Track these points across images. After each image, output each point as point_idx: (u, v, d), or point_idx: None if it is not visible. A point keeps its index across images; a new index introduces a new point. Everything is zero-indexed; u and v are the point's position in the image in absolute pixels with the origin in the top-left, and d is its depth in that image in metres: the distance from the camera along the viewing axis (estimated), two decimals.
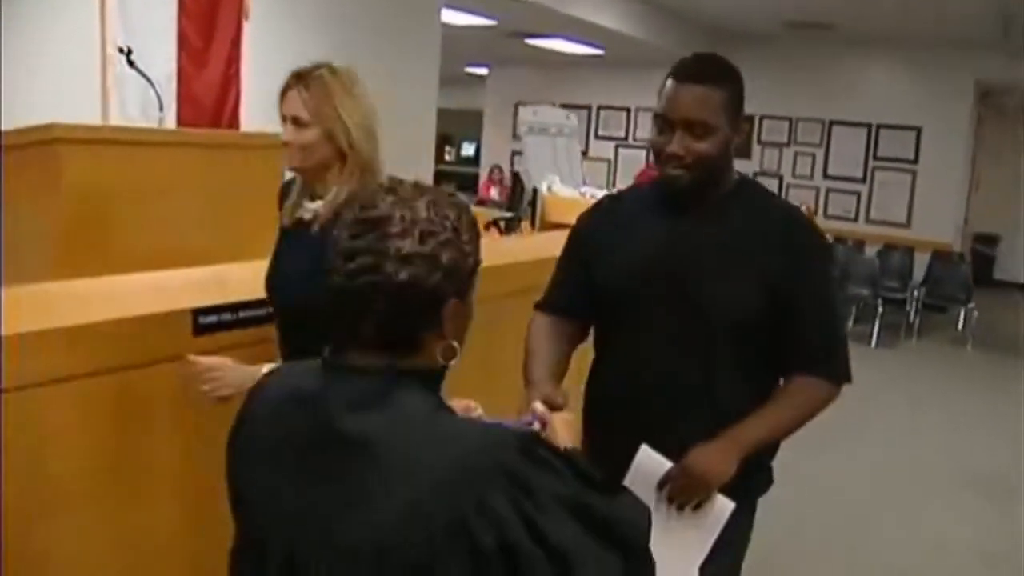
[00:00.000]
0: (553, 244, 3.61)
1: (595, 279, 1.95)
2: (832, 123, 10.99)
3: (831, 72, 10.74)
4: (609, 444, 1.85)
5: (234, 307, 2.14)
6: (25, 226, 2.29)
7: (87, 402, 1.90)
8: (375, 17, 5.86)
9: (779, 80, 11.06)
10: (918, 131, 10.57)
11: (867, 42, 10.28)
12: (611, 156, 12.71)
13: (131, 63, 3.45)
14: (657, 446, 1.82)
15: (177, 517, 2.08)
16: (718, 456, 1.77)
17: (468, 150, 17.74)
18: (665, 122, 1.82)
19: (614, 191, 2.20)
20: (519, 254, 3.26)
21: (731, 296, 1.82)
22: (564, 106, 13.17)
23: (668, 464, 1.79)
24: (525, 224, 5.01)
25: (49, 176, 2.23)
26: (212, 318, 2.10)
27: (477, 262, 1.16)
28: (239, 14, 4.60)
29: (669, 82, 1.83)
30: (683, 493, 1.78)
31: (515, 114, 13.81)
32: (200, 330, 2.08)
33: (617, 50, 10.70)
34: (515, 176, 6.31)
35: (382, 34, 5.85)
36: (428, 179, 5.92)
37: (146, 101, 4.23)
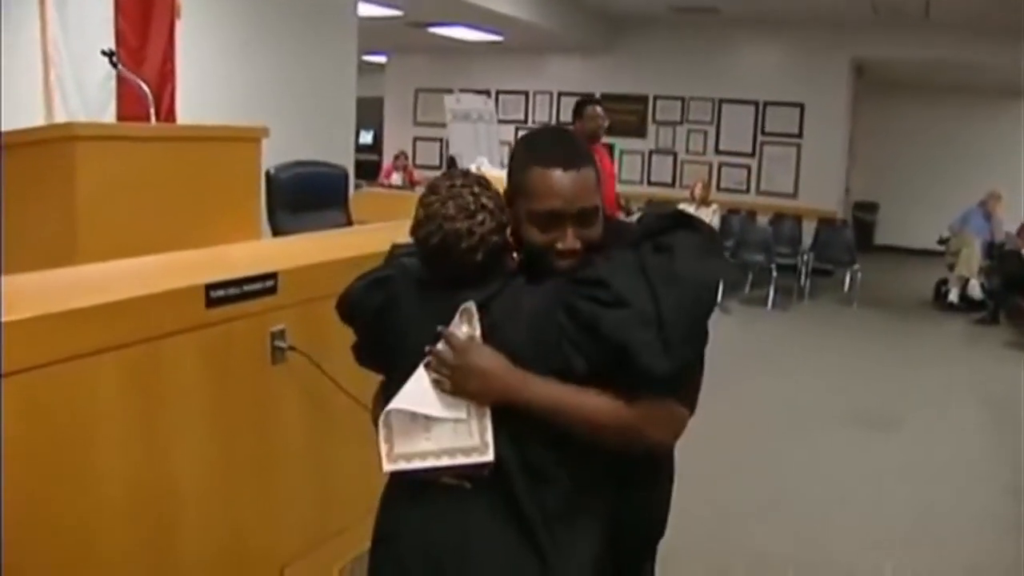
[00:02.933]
0: None
1: None
2: (722, 101, 11.55)
3: (719, 53, 11.29)
4: None
5: (239, 281, 2.38)
6: (44, 215, 2.48)
7: (120, 372, 2.12)
8: (297, 10, 6.04)
9: (671, 62, 11.61)
10: (801, 107, 11.23)
11: (751, 24, 10.87)
12: (511, 138, 13.05)
13: (115, 65, 3.60)
14: None
15: (200, 471, 2.32)
16: (499, 368, 1.57)
17: (365, 137, 17.81)
18: (556, 218, 1.61)
19: None
20: None
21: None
22: (464, 91, 13.52)
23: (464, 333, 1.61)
24: None
25: (65, 170, 2.42)
26: (221, 292, 2.34)
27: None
28: (172, 12, 4.75)
29: (552, 173, 1.61)
30: (441, 365, 1.59)
31: (415, 101, 14.03)
32: (212, 303, 2.32)
33: (515, 36, 11.03)
34: (451, 160, 6.61)
35: (304, 26, 6.05)
36: (349, 165, 6.19)
37: (86, 99, 4.38)
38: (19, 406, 1.84)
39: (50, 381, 1.92)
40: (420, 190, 1.94)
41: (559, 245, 1.61)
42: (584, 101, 5.97)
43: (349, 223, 4.33)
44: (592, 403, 1.55)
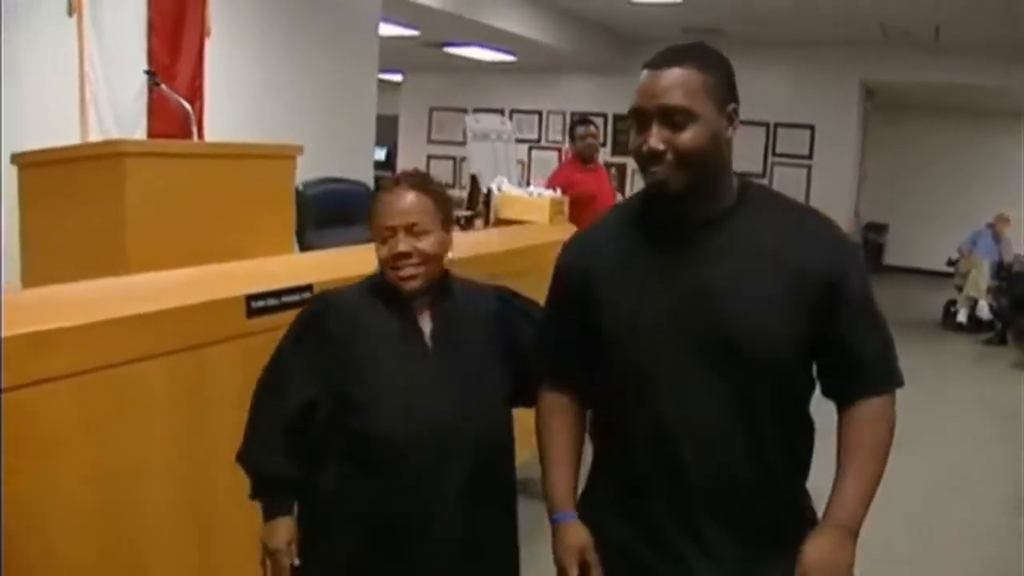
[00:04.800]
0: (514, 235, 4.04)
1: (602, 338, 1.64)
2: None
3: None
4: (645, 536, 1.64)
5: (278, 293, 2.49)
6: (95, 227, 2.59)
7: (167, 378, 2.22)
8: (321, 29, 6.19)
9: None
10: (811, 129, 11.35)
11: (760, 46, 10.95)
12: (525, 158, 13.19)
13: (157, 84, 3.72)
14: (703, 532, 1.59)
15: (241, 475, 2.41)
16: (833, 554, 1.51)
17: (379, 155, 17.94)
18: (641, 116, 1.54)
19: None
20: (494, 245, 3.67)
21: (771, 332, 1.54)
22: (477, 110, 13.67)
23: None
24: (478, 222, 5.47)
25: (115, 184, 2.53)
26: (261, 302, 2.45)
27: None
28: (202, 31, 4.90)
29: (644, 73, 1.56)
30: None
31: (430, 119, 14.18)
32: (252, 313, 2.43)
33: (528, 56, 11.16)
34: (473, 178, 6.76)
35: (327, 45, 6.19)
36: (369, 181, 6.31)
37: (119, 116, 4.50)
38: (70, 409, 1.92)
39: (101, 385, 2.03)
40: None
41: (644, 146, 1.54)
42: (577, 122, 6.02)
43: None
44: (872, 459, 1.63)
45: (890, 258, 14.44)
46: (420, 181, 1.94)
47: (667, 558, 1.61)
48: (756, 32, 10.34)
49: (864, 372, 1.63)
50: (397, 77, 14.12)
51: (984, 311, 9.74)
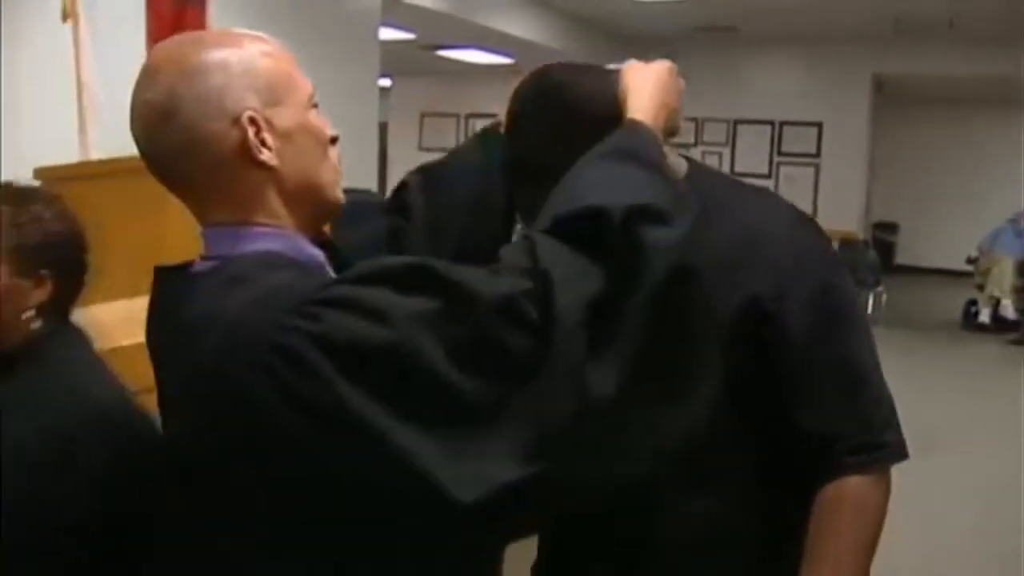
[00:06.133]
0: None
1: None
2: (737, 122, 11.37)
3: (734, 73, 11.09)
4: None
5: None
6: (137, 241, 2.36)
7: None
8: (322, 34, 5.93)
9: (685, 83, 11.40)
10: (819, 126, 11.06)
11: (768, 42, 10.70)
12: None
13: None
14: None
15: None
16: None
17: None
18: None
19: None
20: None
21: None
22: (471, 116, 13.33)
23: None
24: None
25: (156, 200, 2.27)
26: None
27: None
28: None
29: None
30: None
31: (421, 125, 13.81)
32: None
33: (527, 59, 10.82)
34: None
35: (328, 50, 5.93)
36: (373, 189, 6.02)
37: (119, 124, 4.12)
38: None
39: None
40: None
41: None
42: None
43: None
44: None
45: (901, 257, 14.19)
46: None
47: None
48: (767, 28, 10.06)
49: (823, 445, 1.25)
50: (385, 82, 13.75)
51: (1008, 310, 9.47)
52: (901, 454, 1.26)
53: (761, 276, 1.22)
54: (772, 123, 11.23)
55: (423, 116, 13.67)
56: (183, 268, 1.09)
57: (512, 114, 1.26)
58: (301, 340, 0.86)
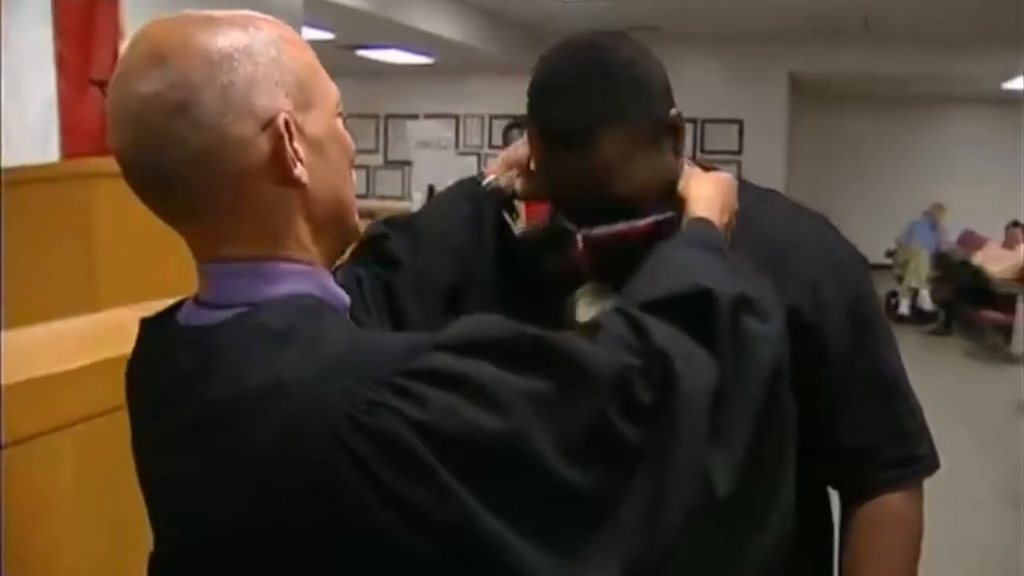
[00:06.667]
0: None
1: None
2: None
3: None
4: None
5: None
6: (60, 259, 2.18)
7: None
8: None
9: None
10: (740, 124, 11.19)
11: (692, 41, 10.75)
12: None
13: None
14: None
15: None
16: None
17: None
18: None
19: None
20: None
21: None
22: (390, 116, 13.13)
23: None
24: None
25: (83, 210, 2.09)
26: None
27: None
28: (116, 34, 4.23)
29: None
30: None
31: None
32: None
33: (447, 58, 10.70)
34: (431, 188, 6.70)
35: None
36: None
37: (26, 132, 3.89)
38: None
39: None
40: None
41: None
42: (512, 126, 5.57)
43: None
44: None
45: None
46: None
47: None
48: (690, 27, 10.12)
49: (865, 462, 1.20)
50: None
51: (926, 301, 9.71)
52: (935, 465, 1.22)
53: (796, 287, 1.15)
54: (695, 121, 11.30)
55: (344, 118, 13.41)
56: (171, 314, 0.87)
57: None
58: (397, 424, 0.67)
